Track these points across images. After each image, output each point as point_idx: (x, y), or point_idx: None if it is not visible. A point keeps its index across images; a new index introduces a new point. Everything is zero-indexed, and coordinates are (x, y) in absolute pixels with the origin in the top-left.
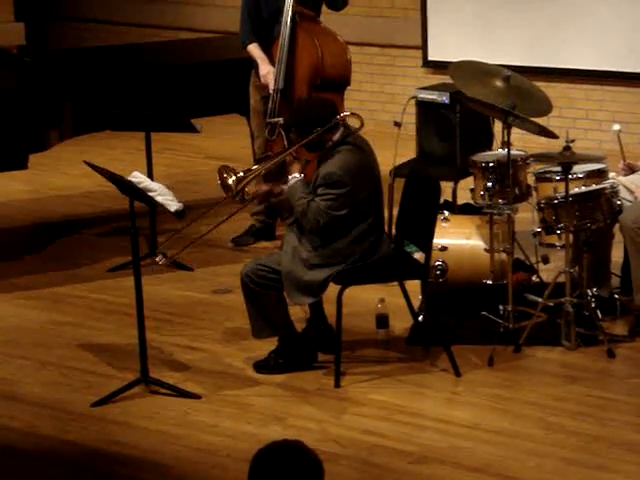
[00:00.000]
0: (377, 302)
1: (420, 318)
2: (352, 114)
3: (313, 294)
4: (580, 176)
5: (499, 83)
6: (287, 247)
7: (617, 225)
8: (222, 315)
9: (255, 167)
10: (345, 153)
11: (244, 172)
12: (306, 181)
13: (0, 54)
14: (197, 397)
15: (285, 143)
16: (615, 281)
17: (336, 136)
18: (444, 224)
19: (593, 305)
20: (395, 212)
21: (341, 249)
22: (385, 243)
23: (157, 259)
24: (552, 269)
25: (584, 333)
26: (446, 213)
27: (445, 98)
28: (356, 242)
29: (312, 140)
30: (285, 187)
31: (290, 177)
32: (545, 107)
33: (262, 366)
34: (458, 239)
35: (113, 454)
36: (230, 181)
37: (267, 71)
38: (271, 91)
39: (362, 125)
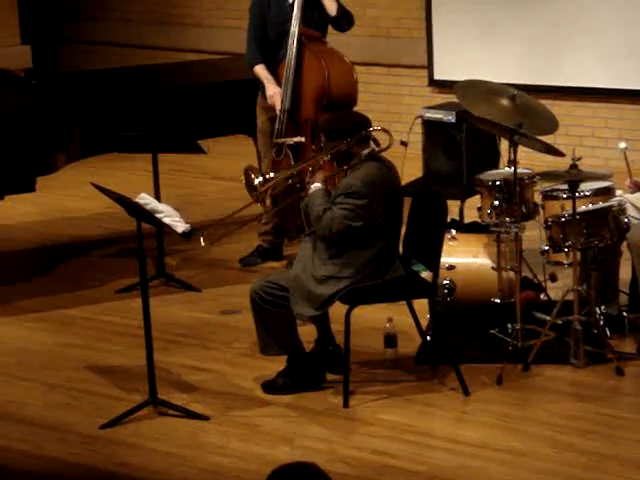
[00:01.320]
0: (385, 321)
1: (428, 337)
2: (382, 129)
3: (316, 307)
4: (587, 194)
5: (505, 102)
6: (300, 255)
7: (625, 243)
8: (230, 336)
9: (283, 171)
10: (370, 167)
11: (272, 174)
12: (327, 191)
13: (7, 77)
14: (205, 418)
15: (292, 162)
16: (623, 299)
17: (365, 151)
18: (451, 243)
19: (601, 323)
20: (402, 231)
21: (351, 264)
22: (397, 270)
23: (201, 240)
24: (560, 287)
25: (593, 351)
26: (453, 232)
27: (451, 117)
28: (368, 262)
29: (340, 150)
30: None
31: (312, 185)
32: (551, 125)
33: (270, 387)
34: (466, 258)
35: (122, 476)
36: (257, 181)
37: (274, 92)
38: (278, 112)
39: (391, 143)
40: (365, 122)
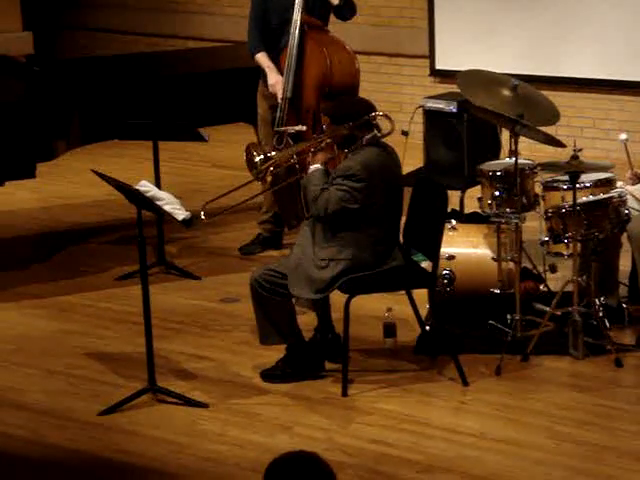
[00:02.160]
0: (384, 311)
1: (427, 327)
2: (384, 115)
3: (315, 290)
4: (588, 185)
5: (507, 92)
6: (300, 240)
7: (625, 234)
8: (230, 324)
9: (285, 150)
10: (370, 152)
11: (274, 152)
12: (327, 174)
13: (9, 63)
14: (204, 406)
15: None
16: (623, 290)
17: (367, 136)
18: (451, 233)
19: (601, 314)
20: (403, 221)
21: (350, 247)
22: (396, 258)
23: (202, 216)
24: (560, 278)
25: (592, 342)
26: (453, 222)
27: (452, 107)
28: (366, 247)
29: (342, 134)
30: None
31: (312, 166)
32: (552, 116)
33: (269, 375)
34: (466, 248)
35: (120, 463)
36: (257, 159)
37: (275, 80)
38: (279, 100)
39: (393, 129)
40: (369, 107)
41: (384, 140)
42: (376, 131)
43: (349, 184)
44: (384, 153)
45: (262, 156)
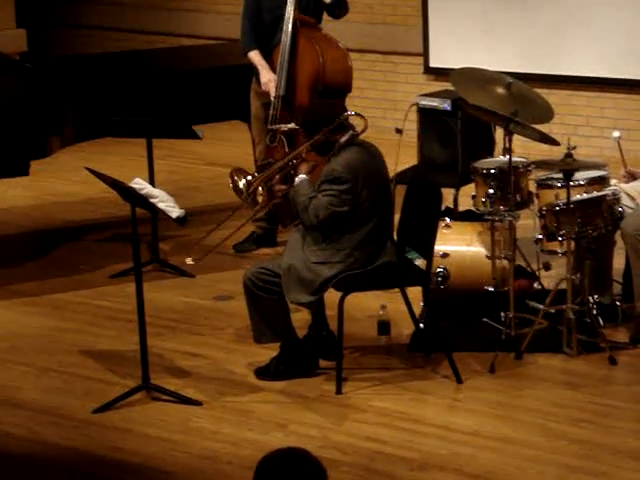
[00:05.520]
0: (379, 309)
1: (421, 325)
2: (356, 114)
3: (311, 292)
4: (582, 183)
5: (501, 90)
6: (290, 244)
7: (618, 232)
8: (223, 322)
9: (265, 172)
10: (350, 152)
11: (253, 175)
12: (312, 182)
13: (2, 60)
14: (198, 404)
15: (286, 149)
16: (617, 288)
17: (344, 138)
18: (445, 231)
19: (595, 312)
20: (396, 219)
21: (342, 249)
22: (389, 253)
23: (187, 261)
24: (553, 276)
25: (586, 340)
26: (447, 220)
27: (447, 105)
28: (358, 245)
29: (319, 141)
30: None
31: (297, 178)
32: (546, 114)
33: (263, 373)
34: (459, 246)
35: (114, 461)
36: (241, 184)
37: (268, 78)
38: (272, 98)
39: (366, 127)
40: (338, 109)
41: (362, 137)
42: (351, 131)
43: (335, 187)
44: (364, 150)
45: (244, 181)
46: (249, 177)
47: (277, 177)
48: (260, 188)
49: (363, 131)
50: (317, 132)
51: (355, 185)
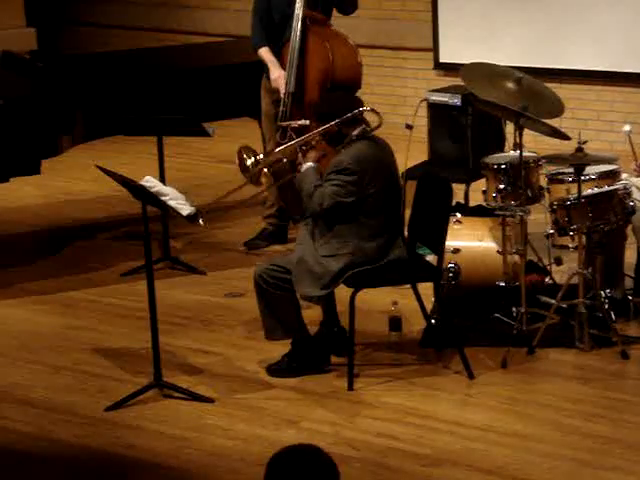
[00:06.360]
0: (390, 305)
1: (433, 320)
2: (372, 110)
3: (321, 286)
4: (593, 177)
5: (511, 85)
6: (300, 239)
7: (630, 226)
8: (235, 319)
9: (275, 150)
10: (360, 145)
11: (263, 154)
12: (320, 171)
13: (13, 59)
14: (210, 401)
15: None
16: (628, 282)
17: (356, 131)
18: (456, 226)
19: (606, 306)
20: (407, 214)
21: (349, 241)
22: (399, 247)
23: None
24: (565, 271)
25: (597, 335)
26: (458, 215)
27: (457, 100)
28: (365, 239)
29: (331, 131)
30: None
31: (304, 165)
32: (557, 108)
33: (275, 369)
34: (471, 241)
35: (127, 458)
36: (249, 162)
37: (278, 75)
38: (282, 94)
39: (381, 123)
40: (354, 103)
41: (375, 133)
42: (365, 126)
43: (342, 178)
44: (375, 145)
45: (253, 159)
46: (259, 156)
47: (285, 161)
48: (265, 169)
49: (377, 127)
50: (329, 121)
51: (362, 178)
